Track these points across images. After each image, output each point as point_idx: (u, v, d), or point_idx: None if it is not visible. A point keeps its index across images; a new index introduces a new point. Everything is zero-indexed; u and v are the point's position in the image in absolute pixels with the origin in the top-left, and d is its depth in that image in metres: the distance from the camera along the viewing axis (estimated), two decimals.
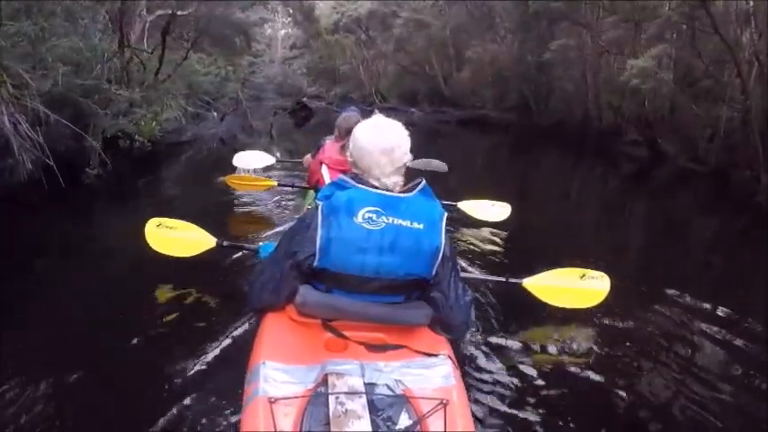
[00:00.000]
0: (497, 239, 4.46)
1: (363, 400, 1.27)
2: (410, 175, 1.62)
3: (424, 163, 5.11)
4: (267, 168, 5.84)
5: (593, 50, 13.59)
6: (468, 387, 1.56)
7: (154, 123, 6.64)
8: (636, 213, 7.01)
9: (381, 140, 1.54)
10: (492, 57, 17.80)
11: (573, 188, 8.69)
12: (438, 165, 5.38)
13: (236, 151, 8.92)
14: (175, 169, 8.13)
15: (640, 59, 9.99)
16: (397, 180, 1.56)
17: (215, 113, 11.59)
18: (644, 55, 10.10)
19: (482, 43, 18.42)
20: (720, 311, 3.29)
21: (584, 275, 2.84)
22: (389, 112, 1.73)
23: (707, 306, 3.39)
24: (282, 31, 33.81)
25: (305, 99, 21.45)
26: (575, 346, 2.68)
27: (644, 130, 11.44)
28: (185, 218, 3.15)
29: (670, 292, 3.47)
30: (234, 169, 5.34)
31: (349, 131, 2.94)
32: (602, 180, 9.66)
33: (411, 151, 1.60)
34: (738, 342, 2.88)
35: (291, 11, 25.44)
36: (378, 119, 1.63)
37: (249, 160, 5.45)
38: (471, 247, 4.22)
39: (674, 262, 4.50)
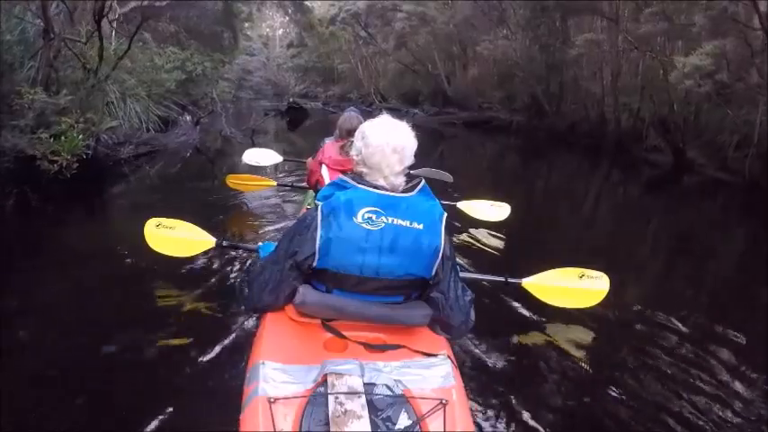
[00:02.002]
0: (497, 239, 4.46)
1: (363, 400, 1.27)
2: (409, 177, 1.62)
3: (428, 172, 5.03)
4: (274, 167, 5.89)
5: (613, 47, 12.23)
6: (468, 387, 1.56)
7: (81, 136, 4.76)
8: (651, 221, 6.52)
9: (393, 139, 1.55)
10: (502, 54, 16.19)
11: (584, 193, 8.21)
12: (443, 174, 5.34)
13: (212, 162, 8.10)
14: (120, 197, 5.89)
15: (693, 57, 8.55)
16: (401, 181, 1.57)
17: (189, 117, 9.79)
18: (694, 52, 8.73)
19: (491, 39, 16.71)
20: (725, 319, 3.27)
21: (582, 275, 2.85)
22: (391, 113, 1.72)
23: (710, 312, 3.40)
24: (280, 31, 33.73)
25: (291, 99, 19.86)
26: (574, 347, 2.69)
27: (668, 135, 10.32)
28: (184, 217, 3.15)
29: (675, 296, 3.48)
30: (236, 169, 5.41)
31: (350, 132, 2.96)
32: (618, 186, 9.08)
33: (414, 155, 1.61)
34: (739, 349, 2.87)
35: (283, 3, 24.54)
36: (386, 118, 1.63)
37: (258, 158, 5.54)
38: (471, 247, 4.23)
39: (684, 269, 4.45)
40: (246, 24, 18.18)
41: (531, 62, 15.18)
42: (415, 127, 1.66)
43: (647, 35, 10.79)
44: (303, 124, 16.82)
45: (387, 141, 1.54)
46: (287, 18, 27.27)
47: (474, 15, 17.58)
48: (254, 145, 9.14)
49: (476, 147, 13.97)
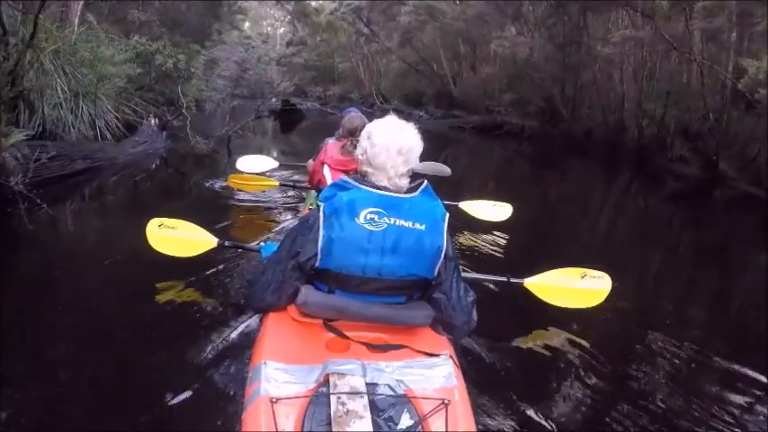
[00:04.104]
0: (499, 239, 4.46)
1: (365, 400, 1.27)
2: (411, 177, 1.62)
3: (425, 166, 4.93)
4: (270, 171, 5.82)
5: (645, 46, 11.06)
6: (470, 387, 1.56)
7: None
8: (669, 232, 6.14)
9: (399, 139, 1.56)
10: (518, 52, 14.97)
11: (598, 201, 7.82)
12: (441, 168, 5.24)
13: (183, 175, 6.96)
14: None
15: None
16: (405, 182, 1.57)
17: (154, 121, 8.06)
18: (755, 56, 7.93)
19: (506, 36, 15.52)
20: (734, 326, 3.28)
21: (584, 275, 2.85)
22: (395, 115, 1.72)
23: (718, 318, 3.40)
24: (282, 29, 33.70)
25: (274, 99, 17.56)
26: (576, 347, 2.68)
27: (699, 145, 9.50)
28: (186, 218, 3.16)
29: (682, 301, 3.46)
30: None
31: (352, 132, 2.97)
32: (636, 197, 8.49)
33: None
34: (744, 354, 2.86)
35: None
36: (392, 119, 1.64)
37: (252, 164, 5.48)
38: (473, 247, 4.23)
39: (696, 277, 4.38)
40: (240, 17, 17.12)
41: (548, 62, 14.13)
42: (420, 131, 1.65)
43: (679, 35, 9.70)
44: (297, 127, 15.61)
45: (392, 142, 1.55)
46: (283, 13, 26.28)
47: (487, 11, 16.19)
48: (229, 155, 7.76)
49: (484, 152, 13.19)
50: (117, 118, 7.11)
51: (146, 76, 8.73)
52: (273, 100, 16.28)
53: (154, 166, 7.23)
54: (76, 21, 7.10)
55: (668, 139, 10.42)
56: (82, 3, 7.21)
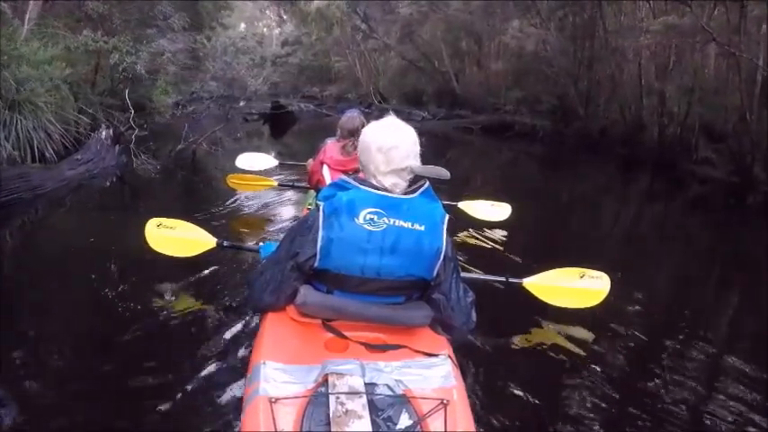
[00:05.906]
0: (498, 239, 4.46)
1: (364, 400, 1.27)
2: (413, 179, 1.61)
3: (422, 169, 4.91)
4: (274, 167, 5.82)
5: (660, 38, 9.91)
6: (469, 387, 1.56)
7: None
8: (687, 237, 5.80)
9: (380, 138, 1.56)
10: (527, 46, 13.93)
11: (610, 206, 7.44)
12: (438, 171, 5.26)
13: (138, 198, 5.98)
14: None
15: None
16: (395, 182, 1.55)
17: (107, 133, 6.69)
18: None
19: (516, 27, 14.34)
20: (736, 329, 3.29)
21: (583, 275, 2.86)
22: (396, 115, 1.71)
23: (723, 320, 3.39)
24: (277, 30, 33.50)
25: (242, 103, 14.12)
26: (575, 346, 2.69)
27: (729, 145, 8.68)
28: (185, 218, 3.16)
29: (685, 301, 3.44)
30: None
31: (351, 132, 2.98)
32: (654, 201, 8.05)
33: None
34: (740, 349, 2.87)
35: None
36: (389, 119, 1.64)
37: (252, 162, 5.50)
38: (471, 247, 4.23)
39: (704, 280, 4.30)
40: (226, 12, 15.67)
41: (561, 56, 13.09)
42: (423, 132, 1.65)
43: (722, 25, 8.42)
44: (290, 130, 14.58)
45: (373, 141, 1.56)
46: (285, 17, 25.69)
47: (495, 2, 15.06)
48: (195, 173, 7.08)
49: (491, 154, 12.34)
50: (82, 130, 6.07)
51: (107, 78, 7.84)
52: (242, 104, 13.49)
53: (108, 184, 6.03)
54: (27, 17, 6.19)
55: (693, 138, 9.53)
56: (35, 1, 6.46)
